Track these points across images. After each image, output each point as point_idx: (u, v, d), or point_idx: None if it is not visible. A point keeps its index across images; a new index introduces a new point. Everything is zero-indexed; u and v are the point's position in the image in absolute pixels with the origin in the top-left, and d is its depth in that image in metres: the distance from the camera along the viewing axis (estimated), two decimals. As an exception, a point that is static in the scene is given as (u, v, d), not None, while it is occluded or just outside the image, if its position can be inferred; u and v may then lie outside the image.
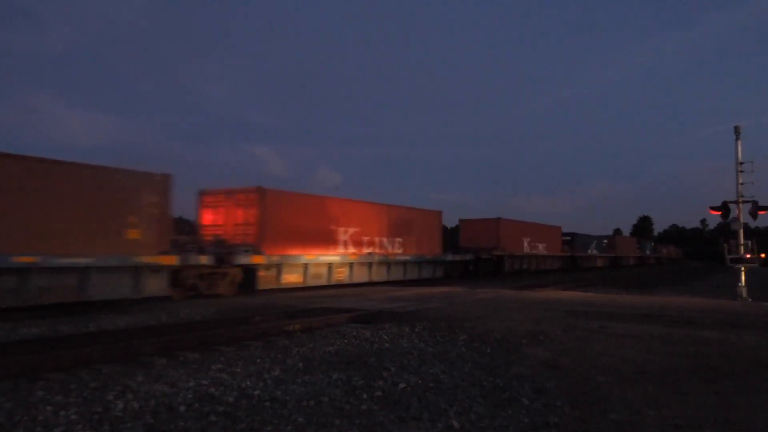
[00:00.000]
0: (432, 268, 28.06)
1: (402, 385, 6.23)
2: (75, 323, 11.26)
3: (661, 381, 6.51)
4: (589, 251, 50.36)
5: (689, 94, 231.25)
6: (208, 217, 20.12)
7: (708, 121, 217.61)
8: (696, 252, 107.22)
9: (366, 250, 23.25)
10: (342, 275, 21.83)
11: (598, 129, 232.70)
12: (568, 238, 46.40)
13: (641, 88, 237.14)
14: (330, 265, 21.26)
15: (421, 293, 18.60)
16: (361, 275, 22.83)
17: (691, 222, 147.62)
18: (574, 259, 46.91)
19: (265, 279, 18.52)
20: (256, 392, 5.88)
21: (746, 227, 18.06)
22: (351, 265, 22.33)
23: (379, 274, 23.88)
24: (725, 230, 19.20)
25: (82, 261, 13.15)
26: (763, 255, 18.78)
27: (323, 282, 20.83)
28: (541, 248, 40.15)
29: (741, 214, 17.87)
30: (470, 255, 31.60)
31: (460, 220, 37.21)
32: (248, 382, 6.27)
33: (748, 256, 17.72)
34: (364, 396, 5.80)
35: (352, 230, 22.75)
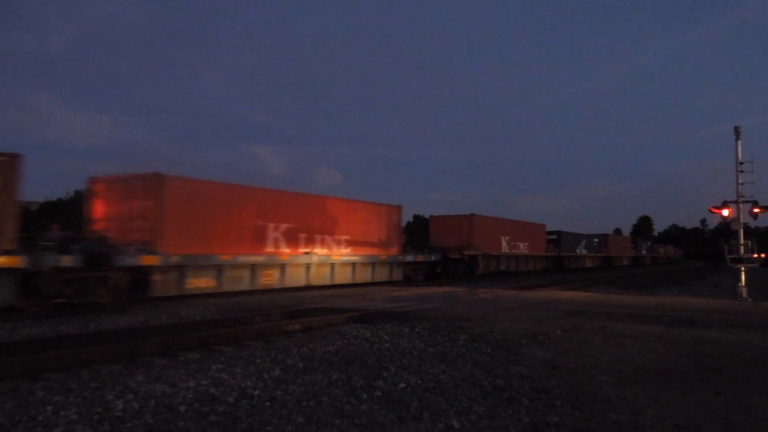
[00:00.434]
0: (388, 270, 24.62)
1: (402, 385, 6.23)
2: (75, 323, 11.26)
3: (662, 381, 6.51)
4: (578, 251, 48.33)
5: (689, 94, 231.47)
6: (99, 209, 16.68)
7: (708, 121, 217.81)
8: (696, 252, 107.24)
9: (303, 250, 20.21)
10: (270, 279, 18.82)
11: (598, 129, 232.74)
12: (554, 236, 43.97)
13: (641, 88, 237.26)
14: (254, 267, 18.19)
15: (421, 293, 18.61)
16: (296, 278, 19.80)
17: (691, 222, 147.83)
18: (561, 260, 44.61)
19: (162, 284, 15.32)
20: (256, 392, 5.87)
21: (746, 227, 18.07)
22: (282, 266, 19.28)
23: (320, 277, 20.81)
24: (725, 230, 19.19)
25: None
26: (763, 255, 18.77)
27: (245, 287, 17.86)
28: (522, 248, 37.69)
29: (741, 214, 17.87)
30: (435, 255, 28.39)
31: (431, 217, 33.97)
32: (248, 382, 6.27)
33: (751, 255, 17.72)
34: (364, 396, 5.80)
35: (285, 226, 19.62)
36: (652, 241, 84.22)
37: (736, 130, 18.23)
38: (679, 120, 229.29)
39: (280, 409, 5.32)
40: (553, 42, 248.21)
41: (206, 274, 16.72)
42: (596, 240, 53.27)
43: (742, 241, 17.83)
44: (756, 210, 17.70)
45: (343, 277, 21.96)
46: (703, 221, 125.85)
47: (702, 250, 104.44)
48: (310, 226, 20.79)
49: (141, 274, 14.88)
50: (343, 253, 22.12)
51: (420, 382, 6.41)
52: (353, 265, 22.52)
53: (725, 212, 18.06)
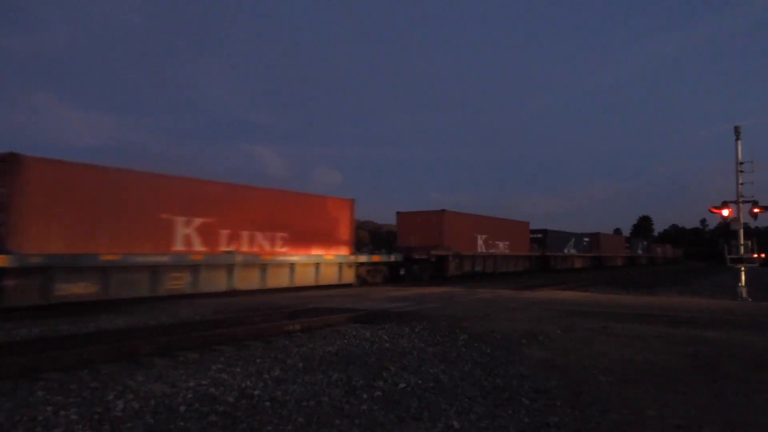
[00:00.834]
0: (336, 272, 21.71)
1: (402, 385, 6.23)
2: (75, 323, 11.26)
3: (662, 381, 6.51)
4: (566, 250, 45.85)
5: (689, 94, 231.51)
6: None
7: (708, 121, 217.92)
8: (696, 252, 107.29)
9: (224, 248, 17.48)
10: (179, 282, 15.85)
11: (598, 129, 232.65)
12: (539, 235, 41.72)
13: (641, 88, 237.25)
14: (155, 269, 15.26)
15: (420, 293, 18.62)
16: (214, 281, 16.89)
17: (691, 222, 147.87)
18: (546, 260, 42.06)
19: (18, 291, 12.50)
20: (256, 392, 5.87)
21: (746, 227, 18.07)
22: (195, 267, 16.26)
23: (248, 280, 18.07)
24: (725, 230, 19.20)
25: None
26: (763, 255, 18.78)
27: (143, 293, 15.03)
28: (501, 247, 35.07)
29: (741, 214, 17.88)
30: (396, 255, 25.48)
31: (398, 214, 30.69)
32: (248, 382, 6.27)
33: (751, 255, 17.73)
34: (364, 396, 5.80)
35: (199, 221, 16.73)
36: (650, 241, 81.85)
37: (736, 130, 18.23)
38: (679, 120, 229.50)
39: (280, 409, 5.32)
40: (553, 42, 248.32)
41: (85, 278, 13.74)
42: (586, 239, 51.10)
43: (742, 241, 17.83)
44: (756, 210, 17.71)
45: (277, 279, 19.13)
46: (703, 221, 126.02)
47: (702, 250, 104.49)
48: (235, 222, 17.95)
49: None
50: (278, 253, 19.31)
51: (420, 382, 6.41)
52: (291, 265, 19.63)
53: (725, 212, 18.07)
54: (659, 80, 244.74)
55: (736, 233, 17.96)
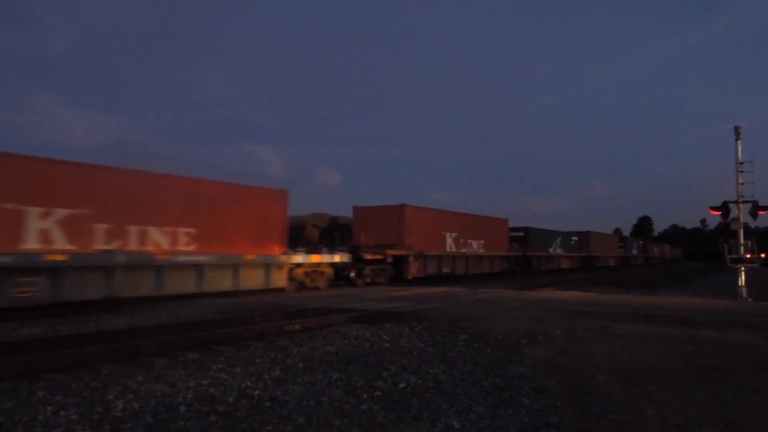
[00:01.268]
0: (262, 275, 18.22)
1: (402, 385, 6.23)
2: (75, 323, 11.26)
3: (662, 381, 6.51)
4: (551, 250, 42.83)
5: (689, 94, 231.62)
6: None
7: (708, 121, 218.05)
8: (696, 252, 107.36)
9: (101, 246, 14.16)
10: (31, 289, 12.57)
11: (598, 129, 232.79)
12: (520, 234, 38.73)
13: (641, 88, 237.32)
14: None
15: (421, 293, 18.63)
16: (86, 287, 13.59)
17: (691, 222, 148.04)
18: (528, 260, 39.00)
19: None
20: (256, 392, 5.88)
21: (746, 227, 18.07)
22: (56, 270, 12.98)
23: (136, 285, 14.70)
24: (725, 230, 19.20)
25: None
26: (763, 255, 18.78)
27: None
28: (475, 246, 31.99)
29: (741, 214, 17.88)
30: (342, 255, 21.93)
31: (355, 209, 27.63)
32: (248, 382, 6.27)
33: (749, 256, 17.74)
34: (364, 396, 5.80)
35: (64, 213, 13.54)
36: (646, 240, 78.80)
37: (736, 130, 18.24)
38: (679, 120, 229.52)
39: (280, 409, 5.32)
40: (553, 42, 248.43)
41: None
42: (575, 238, 47.94)
43: (742, 241, 17.84)
44: (756, 210, 17.71)
45: (178, 284, 15.65)
46: (703, 221, 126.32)
47: (702, 250, 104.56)
48: (118, 214, 14.69)
49: None
50: (180, 252, 15.86)
51: (420, 382, 6.41)
52: (198, 267, 16.12)
53: (725, 212, 18.08)
54: (659, 80, 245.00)
55: (736, 233, 17.97)
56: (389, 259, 24.70)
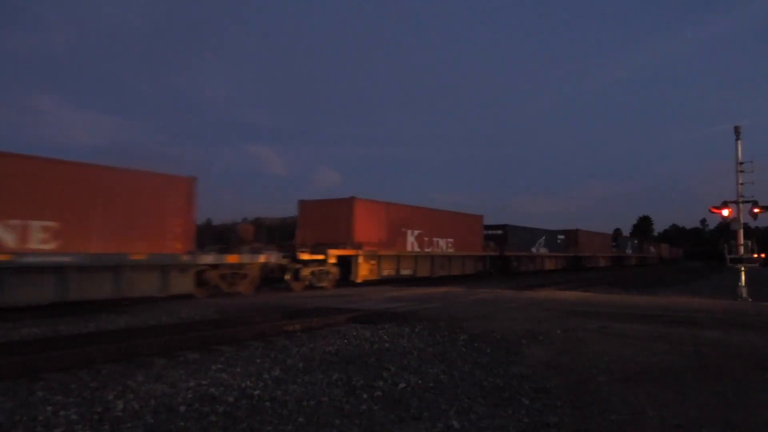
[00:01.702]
0: (158, 278, 15.00)
1: (402, 385, 6.23)
2: (75, 323, 11.26)
3: (662, 381, 6.51)
4: (534, 249, 39.86)
5: (689, 94, 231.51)
6: None
7: (708, 121, 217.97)
8: (696, 252, 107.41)
9: None
10: None
11: (599, 129, 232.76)
12: (498, 232, 35.71)
13: (641, 88, 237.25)
14: None
15: (420, 293, 18.64)
16: None
17: (691, 222, 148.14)
18: (506, 260, 35.85)
19: None
20: (256, 392, 5.88)
21: (746, 227, 18.08)
22: None
23: None
24: (725, 230, 19.21)
25: None
26: (763, 255, 18.79)
27: None
28: (443, 245, 29.01)
29: (741, 214, 17.89)
30: (271, 254, 18.99)
31: (301, 203, 24.45)
32: (248, 382, 6.27)
33: (751, 255, 17.74)
34: (364, 396, 5.80)
35: None
36: (642, 240, 75.82)
37: (736, 130, 18.25)
38: (679, 120, 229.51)
39: (280, 409, 5.32)
40: (553, 42, 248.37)
41: None
42: (561, 237, 44.84)
43: (742, 241, 17.85)
44: (756, 210, 17.72)
45: (32, 291, 12.59)
46: (703, 221, 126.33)
47: (702, 250, 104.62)
48: None
49: None
50: (32, 251, 12.65)
51: (420, 382, 6.41)
52: (59, 270, 12.95)
53: (725, 212, 18.09)
54: (659, 80, 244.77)
55: (736, 233, 17.97)
56: (332, 260, 21.77)
